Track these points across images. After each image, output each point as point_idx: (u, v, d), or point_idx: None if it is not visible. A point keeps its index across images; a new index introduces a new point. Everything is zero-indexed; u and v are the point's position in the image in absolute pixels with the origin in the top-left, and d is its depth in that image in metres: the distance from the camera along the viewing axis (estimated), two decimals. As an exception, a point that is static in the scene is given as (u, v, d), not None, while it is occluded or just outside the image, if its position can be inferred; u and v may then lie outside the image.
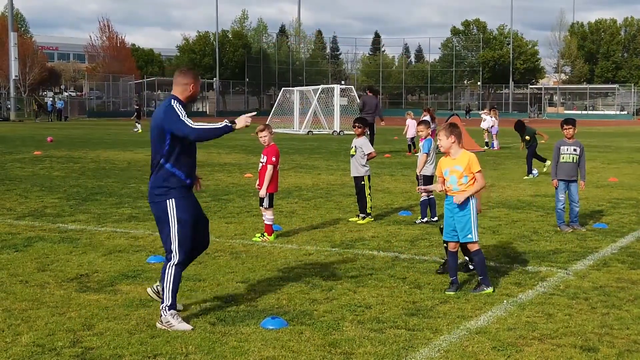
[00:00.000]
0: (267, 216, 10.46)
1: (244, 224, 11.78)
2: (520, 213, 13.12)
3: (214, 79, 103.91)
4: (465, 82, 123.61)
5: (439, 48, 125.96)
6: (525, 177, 19.28)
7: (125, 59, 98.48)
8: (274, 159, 10.35)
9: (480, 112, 37.12)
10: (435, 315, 6.87)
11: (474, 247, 7.78)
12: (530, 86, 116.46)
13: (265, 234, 10.49)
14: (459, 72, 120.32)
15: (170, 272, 6.56)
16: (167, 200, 6.58)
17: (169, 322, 6.44)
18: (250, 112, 6.88)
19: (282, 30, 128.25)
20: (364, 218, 12.03)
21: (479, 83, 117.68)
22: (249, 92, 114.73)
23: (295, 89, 53.66)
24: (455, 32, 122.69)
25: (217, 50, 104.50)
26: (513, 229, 11.46)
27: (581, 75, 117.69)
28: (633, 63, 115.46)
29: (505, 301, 7.35)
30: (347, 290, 7.75)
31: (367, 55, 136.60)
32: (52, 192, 15.58)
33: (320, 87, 51.02)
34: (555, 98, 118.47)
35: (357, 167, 12.15)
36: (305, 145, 34.67)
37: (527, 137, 20.17)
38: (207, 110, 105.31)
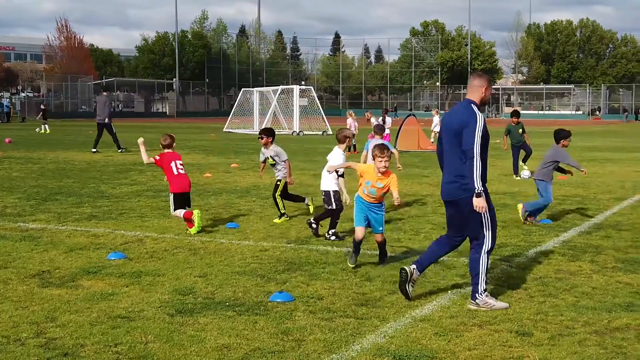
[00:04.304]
0: (177, 214, 11.23)
1: (202, 222, 12.05)
2: (471, 210, 13.58)
3: (174, 79, 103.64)
4: (424, 82, 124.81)
5: (398, 49, 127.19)
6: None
7: (83, 59, 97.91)
8: (157, 157, 11.11)
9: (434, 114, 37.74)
10: (383, 305, 7.27)
11: (383, 237, 8.98)
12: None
13: (186, 219, 11.14)
14: (418, 72, 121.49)
15: (484, 259, 7.24)
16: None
17: (487, 303, 7.09)
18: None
19: (242, 31, 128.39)
20: (280, 217, 12.31)
21: (437, 83, 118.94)
22: (209, 92, 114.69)
23: (255, 89, 54.02)
24: (414, 33, 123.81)
25: (176, 50, 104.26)
26: (462, 225, 11.90)
27: (538, 75, 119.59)
28: (588, 64, 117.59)
29: (449, 291, 7.77)
30: (301, 283, 8.11)
31: (327, 55, 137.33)
32: (11, 192, 15.72)
33: (280, 87, 51.42)
34: (513, 98, 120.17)
35: (279, 173, 12.44)
36: (265, 145, 34.98)
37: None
38: (167, 111, 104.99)
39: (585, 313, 6.98)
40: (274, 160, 12.29)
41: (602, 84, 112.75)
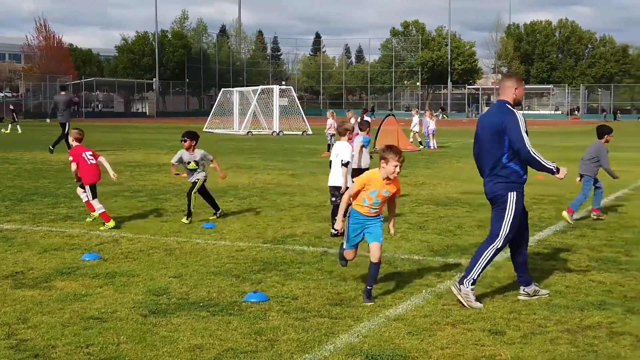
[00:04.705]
0: (96, 206, 11.59)
1: (179, 222, 12.03)
2: (448, 209, 13.65)
3: (154, 79, 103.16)
4: (404, 82, 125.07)
5: (379, 49, 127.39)
6: None
7: (62, 59, 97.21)
8: (70, 158, 11.77)
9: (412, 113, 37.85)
10: (357, 304, 7.27)
11: (381, 250, 7.64)
12: (468, 86, 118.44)
13: (105, 222, 11.46)
14: (399, 72, 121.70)
15: (489, 253, 7.41)
16: (509, 193, 7.37)
17: (467, 295, 7.21)
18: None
19: (223, 31, 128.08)
20: (187, 217, 12.16)
21: (418, 83, 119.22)
22: (189, 92, 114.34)
23: (234, 89, 53.97)
24: (394, 33, 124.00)
25: (156, 50, 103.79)
26: (439, 224, 11.97)
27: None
28: (567, 64, 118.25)
29: (424, 291, 7.78)
30: (276, 283, 8.10)
31: (308, 55, 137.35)
32: (-13, 193, 15.58)
33: (260, 87, 51.37)
34: (493, 98, 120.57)
35: (199, 174, 12.41)
36: (244, 145, 35.00)
37: None
38: (147, 111, 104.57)
39: (557, 312, 7.02)
40: (197, 165, 12.27)
41: (581, 84, 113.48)
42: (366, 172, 7.74)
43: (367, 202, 7.45)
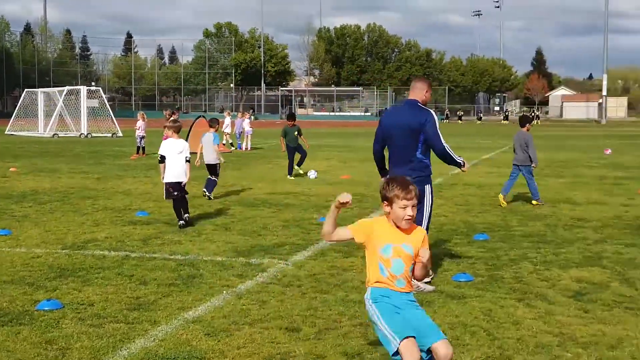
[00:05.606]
0: None
1: (-29, 229, 11.39)
2: (254, 210, 13.77)
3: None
4: (218, 83, 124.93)
5: (192, 50, 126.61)
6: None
7: None
8: None
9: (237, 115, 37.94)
10: (156, 308, 7.18)
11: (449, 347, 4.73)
12: (282, 88, 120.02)
13: None
14: (212, 74, 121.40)
15: None
16: (425, 186, 8.04)
17: (418, 287, 7.55)
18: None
19: (27, 29, 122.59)
20: None
21: (232, 85, 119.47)
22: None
23: (39, 90, 51.78)
24: (207, 34, 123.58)
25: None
26: (245, 225, 12.04)
27: (329, 78, 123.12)
28: (375, 67, 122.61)
29: (224, 292, 7.80)
30: (72, 289, 7.85)
31: (119, 56, 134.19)
32: None
33: (66, 88, 49.57)
34: (306, 100, 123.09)
35: None
36: (49, 148, 33.68)
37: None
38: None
39: (352, 307, 7.25)
40: None
41: (389, 87, 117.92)
42: (373, 219, 5.17)
43: (385, 271, 4.91)
